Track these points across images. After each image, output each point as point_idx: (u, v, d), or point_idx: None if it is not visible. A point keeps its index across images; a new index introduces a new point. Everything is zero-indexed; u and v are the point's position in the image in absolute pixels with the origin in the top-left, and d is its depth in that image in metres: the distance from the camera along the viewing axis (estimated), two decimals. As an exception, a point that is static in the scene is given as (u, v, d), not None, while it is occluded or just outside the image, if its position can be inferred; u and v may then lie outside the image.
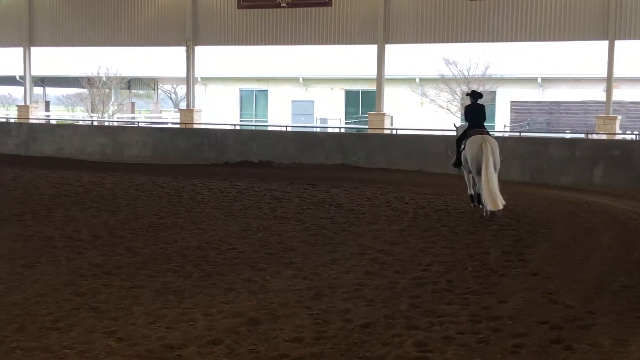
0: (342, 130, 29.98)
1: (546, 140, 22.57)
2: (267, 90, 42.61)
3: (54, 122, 38.42)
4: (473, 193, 14.81)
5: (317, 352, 6.39)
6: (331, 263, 9.91)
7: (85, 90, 45.60)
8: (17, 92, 58.51)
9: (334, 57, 37.90)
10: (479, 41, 24.90)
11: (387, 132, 25.37)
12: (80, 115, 49.80)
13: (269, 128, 33.80)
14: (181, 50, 28.31)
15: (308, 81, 41.59)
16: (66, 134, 27.31)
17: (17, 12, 30.05)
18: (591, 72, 33.53)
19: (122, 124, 35.19)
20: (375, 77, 25.58)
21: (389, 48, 25.33)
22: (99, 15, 28.95)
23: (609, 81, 22.88)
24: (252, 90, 43.05)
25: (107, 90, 43.36)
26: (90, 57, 39.51)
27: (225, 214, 14.08)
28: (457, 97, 36.05)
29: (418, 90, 38.64)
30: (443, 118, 34.09)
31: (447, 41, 25.03)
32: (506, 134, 30.35)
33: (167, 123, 39.00)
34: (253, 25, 26.76)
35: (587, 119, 33.28)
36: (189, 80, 28.35)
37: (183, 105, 46.50)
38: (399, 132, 25.24)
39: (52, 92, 58.14)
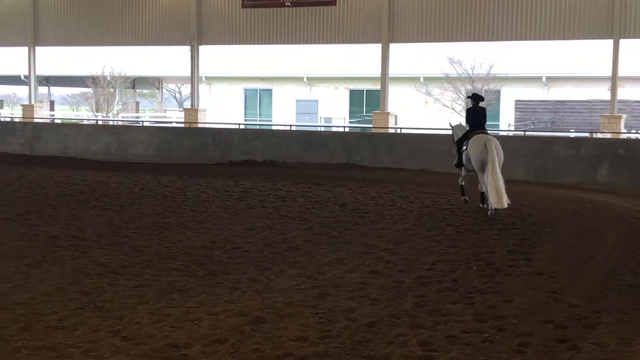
0: (347, 130, 29.97)
1: (551, 139, 22.54)
2: (271, 90, 42.60)
3: (58, 121, 38.47)
4: (464, 184, 15.43)
5: (322, 351, 6.39)
6: (336, 262, 9.91)
7: (89, 90, 45.61)
8: (21, 91, 58.60)
9: (338, 56, 37.87)
10: (483, 40, 24.85)
11: (391, 131, 25.34)
12: (84, 114, 49.89)
13: (273, 127, 33.81)
14: (185, 50, 28.30)
15: (312, 80, 41.57)
16: (71, 134, 27.36)
17: (21, 12, 30.08)
18: (596, 71, 33.49)
19: (127, 124, 35.21)
20: (380, 76, 25.55)
21: (393, 47, 25.30)
22: (104, 14, 28.98)
23: (614, 80, 22.83)
24: (257, 90, 43.05)
25: (112, 90, 43.36)
26: (95, 57, 39.52)
27: (229, 213, 14.09)
28: (462, 96, 36.00)
29: (422, 90, 38.59)
30: (447, 117, 34.02)
31: (452, 40, 24.99)
32: (511, 133, 30.29)
33: (171, 122, 39.03)
34: (257, 25, 26.75)
35: (592, 118, 33.23)
36: (193, 79, 28.36)
37: (187, 104, 46.52)
38: (403, 131, 25.25)
39: (57, 91, 58.18)
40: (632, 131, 28.98)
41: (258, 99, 43.13)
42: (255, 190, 17.33)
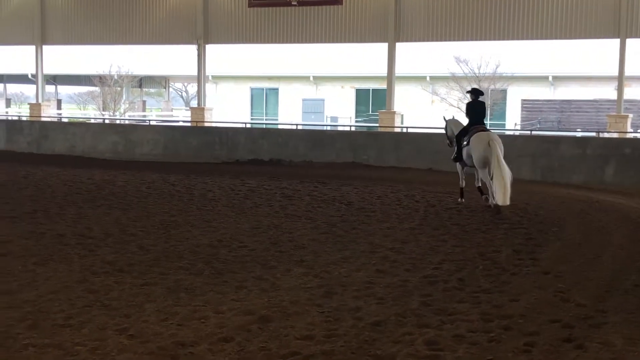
0: (353, 129, 29.95)
1: (557, 138, 22.51)
2: (277, 89, 42.62)
3: (65, 120, 38.51)
4: (463, 187, 15.59)
5: (328, 350, 6.40)
6: (342, 261, 9.92)
7: (96, 89, 45.69)
8: (29, 90, 58.71)
9: (344, 56, 37.85)
10: (489, 39, 24.83)
11: (397, 130, 25.34)
12: (91, 113, 49.91)
13: (280, 126, 33.86)
14: (192, 49, 28.34)
15: (318, 79, 41.59)
16: (78, 132, 27.42)
17: (29, 11, 30.15)
18: (602, 70, 33.42)
19: (134, 122, 35.27)
20: (386, 75, 25.55)
21: (399, 46, 25.30)
22: (111, 13, 29.03)
23: (620, 79, 22.79)
24: (263, 89, 43.08)
25: (119, 89, 43.44)
26: (102, 56, 39.60)
27: (236, 211, 14.10)
28: (468, 96, 35.92)
29: (429, 89, 38.57)
30: (458, 115, 34.00)
31: (458, 39, 24.98)
32: (517, 133, 30.27)
33: (178, 121, 39.11)
34: (264, 24, 26.77)
35: (598, 118, 33.18)
36: (200, 78, 28.39)
37: (194, 103, 46.56)
38: (410, 130, 25.23)
39: (64, 90, 58.28)
40: (639, 131, 28.90)
41: (264, 98, 43.16)
42: (262, 189, 17.35)
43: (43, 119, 30.07)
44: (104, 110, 43.14)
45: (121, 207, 14.49)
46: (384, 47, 25.46)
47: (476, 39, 24.89)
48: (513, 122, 36.66)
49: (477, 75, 34.98)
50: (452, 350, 6.44)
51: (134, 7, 28.66)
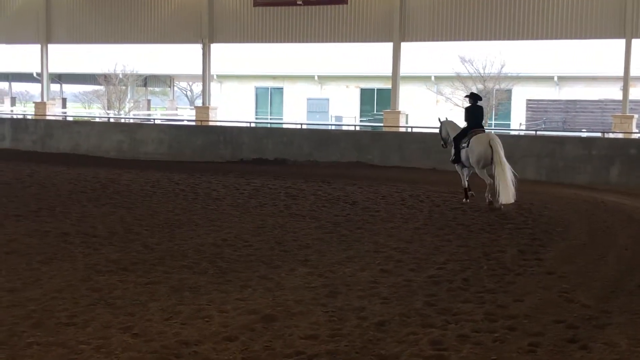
0: (357, 128, 29.93)
1: (562, 139, 22.48)
2: (282, 88, 42.63)
3: (70, 118, 38.57)
4: (467, 186, 15.82)
5: (332, 350, 6.39)
6: (346, 261, 9.91)
7: (101, 87, 45.77)
8: (34, 88, 58.85)
9: (349, 55, 37.83)
10: (495, 39, 24.82)
11: (402, 130, 25.33)
12: (96, 112, 49.97)
13: (284, 126, 33.86)
14: (197, 48, 28.37)
15: (323, 79, 41.58)
16: (83, 131, 27.47)
17: (34, 9, 30.21)
18: (608, 70, 33.38)
19: (138, 121, 35.31)
20: (391, 75, 25.55)
21: (404, 46, 25.29)
22: (116, 12, 29.08)
23: (626, 80, 22.74)
24: (268, 88, 43.08)
25: (124, 88, 43.52)
26: (107, 54, 39.68)
27: (240, 211, 14.11)
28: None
29: (433, 89, 38.55)
30: (458, 116, 33.99)
31: (463, 39, 24.96)
32: (522, 133, 30.23)
33: (182, 120, 39.14)
34: (269, 23, 26.79)
35: (604, 118, 33.12)
36: (205, 77, 28.41)
37: (199, 102, 46.59)
38: (414, 130, 25.20)
39: (69, 89, 58.37)
40: (644, 131, 28.83)
41: (269, 97, 43.16)
42: (266, 189, 17.36)
43: (48, 118, 30.13)
44: (108, 109, 43.21)
45: (126, 205, 14.51)
46: (388, 46, 25.46)
47: (481, 39, 24.88)
48: (518, 122, 36.61)
49: (482, 75, 34.95)
50: (457, 350, 6.43)
51: (139, 6, 28.70)
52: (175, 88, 55.97)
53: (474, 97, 16.19)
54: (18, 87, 64.11)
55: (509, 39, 24.49)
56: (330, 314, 7.43)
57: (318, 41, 27.17)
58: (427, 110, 36.99)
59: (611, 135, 22.99)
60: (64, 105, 47.60)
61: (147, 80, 50.69)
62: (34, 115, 31.85)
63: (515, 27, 23.63)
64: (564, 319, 7.29)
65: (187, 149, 25.19)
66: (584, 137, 26.44)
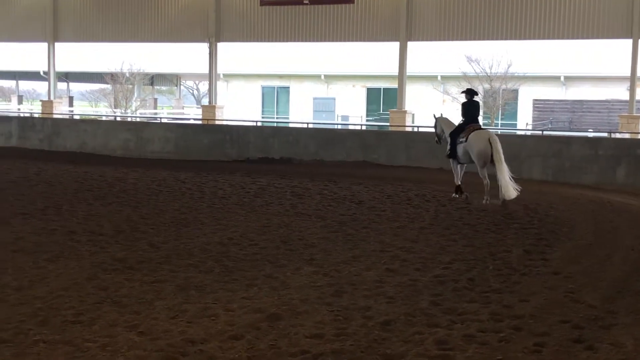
0: (364, 128, 29.93)
1: (568, 139, 22.43)
2: (288, 87, 42.64)
3: (77, 117, 38.67)
4: (460, 184, 16.16)
5: (338, 349, 6.40)
6: (352, 260, 9.91)
7: (108, 86, 45.86)
8: (41, 87, 58.91)
9: (355, 54, 37.82)
10: (501, 39, 24.79)
11: (408, 129, 25.31)
12: (103, 110, 50.06)
13: (291, 125, 33.84)
14: (204, 47, 28.40)
15: (330, 78, 41.57)
16: (89, 129, 27.53)
17: (41, 8, 30.29)
18: (614, 70, 33.29)
19: (145, 120, 35.37)
20: (397, 74, 25.54)
21: (411, 45, 25.28)
22: (123, 11, 29.13)
23: (633, 80, 22.69)
24: (274, 87, 43.10)
25: (130, 86, 43.56)
26: (114, 53, 39.72)
27: (246, 210, 14.12)
28: (480, 95, 35.84)
29: (440, 88, 38.52)
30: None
31: (470, 39, 24.95)
32: (528, 133, 30.19)
33: (189, 119, 39.15)
34: (275, 22, 26.81)
35: (610, 118, 33.06)
36: (211, 76, 28.44)
37: (205, 101, 46.63)
38: (421, 129, 25.17)
39: (76, 87, 58.51)
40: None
41: (275, 96, 43.18)
42: (272, 188, 17.36)
43: (55, 116, 30.20)
44: (115, 107, 43.28)
45: (132, 204, 14.53)
46: (395, 46, 25.45)
47: (488, 39, 24.86)
48: (524, 122, 36.56)
49: (488, 74, 34.92)
50: (462, 350, 6.43)
51: (146, 4, 28.74)
52: (182, 87, 56.07)
53: (470, 93, 16.41)
54: (25, 85, 64.30)
55: (515, 38, 24.45)
56: (335, 313, 7.43)
57: (324, 40, 27.17)
58: (433, 109, 36.93)
59: (618, 136, 22.94)
60: (70, 104, 47.72)
61: (153, 79, 50.77)
62: (41, 113, 31.92)
63: (521, 26, 23.60)
64: (570, 319, 7.28)
65: (194, 148, 25.22)
66: (591, 137, 26.39)
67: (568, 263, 9.93)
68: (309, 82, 41.86)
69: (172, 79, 52.83)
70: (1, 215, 12.73)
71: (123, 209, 13.92)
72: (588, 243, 11.40)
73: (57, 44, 30.90)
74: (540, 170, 20.56)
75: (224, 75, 41.28)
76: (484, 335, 6.79)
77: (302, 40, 27.54)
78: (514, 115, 38.09)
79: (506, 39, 24.65)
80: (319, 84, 41.88)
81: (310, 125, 28.96)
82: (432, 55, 35.06)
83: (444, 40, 25.41)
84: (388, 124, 27.49)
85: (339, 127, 32.25)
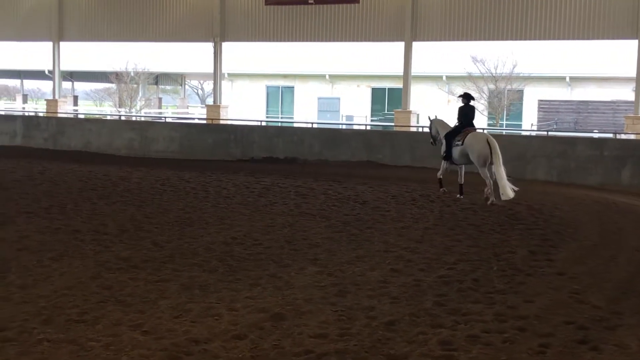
0: (368, 128, 29.90)
1: (574, 139, 22.39)
2: (293, 87, 42.65)
3: (82, 116, 38.72)
4: (442, 178, 16.68)
5: (342, 349, 6.39)
6: (356, 260, 9.90)
7: (113, 85, 45.92)
8: (46, 86, 59.10)
9: (360, 54, 37.83)
10: (507, 39, 24.75)
11: (413, 129, 25.29)
12: (108, 110, 50.13)
13: (295, 124, 33.84)
14: (209, 46, 28.41)
15: (334, 78, 41.58)
16: (94, 129, 27.55)
17: (47, 7, 30.34)
18: (620, 71, 33.24)
19: (150, 119, 35.39)
20: (402, 74, 25.52)
21: (416, 45, 25.26)
22: (128, 10, 29.16)
23: (638, 80, 22.64)
24: (279, 87, 43.12)
25: (135, 86, 43.60)
26: (119, 53, 39.76)
27: (250, 209, 14.11)
28: (484, 96, 35.86)
29: (445, 88, 38.49)
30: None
31: (475, 39, 24.92)
32: (533, 133, 30.15)
33: (193, 119, 39.19)
34: (280, 22, 26.81)
35: (616, 119, 33.02)
36: (216, 76, 28.45)
37: (210, 101, 46.62)
38: (425, 130, 25.11)
39: (81, 86, 58.57)
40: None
41: (280, 96, 43.20)
42: (276, 187, 17.36)
43: (59, 115, 30.24)
44: (120, 107, 43.33)
45: (136, 203, 14.54)
46: (400, 46, 25.43)
47: (493, 39, 24.83)
48: (530, 122, 36.52)
49: (493, 75, 34.88)
50: (466, 350, 6.42)
51: (151, 4, 28.77)
52: (187, 86, 56.10)
53: (467, 97, 16.73)
54: (30, 84, 64.44)
55: (520, 39, 24.41)
56: (339, 313, 7.43)
57: (329, 40, 27.15)
58: (438, 110, 36.88)
59: (623, 137, 22.90)
60: (75, 103, 47.79)
61: (158, 79, 50.82)
62: (46, 112, 31.96)
63: (527, 27, 23.57)
64: (575, 320, 7.27)
65: (198, 147, 25.23)
66: (596, 138, 26.35)
67: (573, 264, 9.91)
68: (314, 82, 41.87)
69: (176, 79, 52.89)
70: (6, 214, 12.76)
71: (127, 208, 13.92)
72: (593, 244, 11.38)
73: (62, 43, 30.94)
74: (545, 170, 20.53)
75: (229, 74, 41.31)
76: (488, 336, 6.78)
77: (307, 40, 27.53)
78: (519, 115, 38.05)
79: (511, 39, 24.61)
80: (324, 83, 41.89)
81: (315, 125, 28.99)
82: (437, 56, 35.04)
83: (449, 40, 25.39)
84: (393, 124, 27.49)
85: (344, 127, 32.24)
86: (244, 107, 40.40)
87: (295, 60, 39.89)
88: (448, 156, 16.37)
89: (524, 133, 30.76)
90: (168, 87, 59.03)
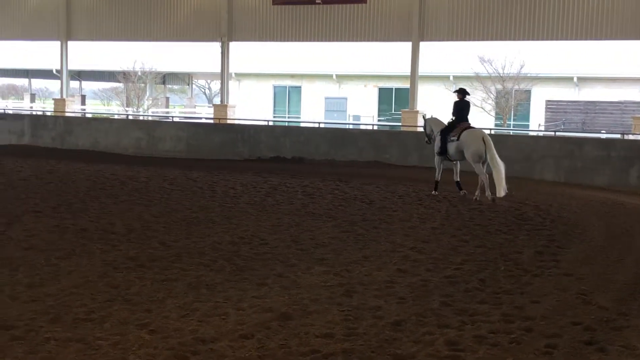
0: (375, 128, 29.89)
1: (581, 140, 22.36)
2: (300, 87, 42.67)
3: (89, 115, 38.80)
4: (439, 180, 16.79)
5: (348, 348, 6.39)
6: (363, 260, 9.91)
7: (120, 85, 46.01)
8: (53, 85, 59.27)
9: (367, 54, 37.82)
10: (514, 39, 24.70)
11: (420, 129, 25.25)
12: (115, 109, 50.23)
13: (302, 124, 33.84)
14: (216, 46, 28.44)
15: (341, 78, 41.58)
16: (102, 128, 27.62)
17: (54, 6, 30.41)
18: (628, 71, 33.17)
19: (157, 119, 35.45)
20: (409, 74, 25.50)
21: (423, 45, 25.24)
22: (136, 10, 29.21)
23: (647, 81, 22.60)
24: (286, 87, 43.14)
25: (142, 85, 43.70)
26: (126, 52, 39.85)
27: (257, 209, 14.12)
28: (492, 96, 35.81)
29: (452, 88, 38.41)
30: (477, 116, 33.90)
31: (482, 39, 24.88)
32: (541, 134, 30.10)
33: (201, 118, 39.24)
34: (288, 22, 26.81)
35: (623, 120, 32.93)
36: (223, 75, 28.47)
37: (217, 100, 46.67)
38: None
39: (88, 86, 58.74)
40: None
41: (287, 95, 43.22)
42: (283, 187, 17.37)
43: (67, 115, 30.30)
44: (127, 106, 43.42)
45: (144, 202, 14.56)
46: (407, 46, 25.41)
47: (500, 39, 24.79)
48: (537, 122, 36.45)
49: (501, 75, 34.83)
50: (473, 351, 6.42)
51: (158, 4, 28.81)
52: (194, 86, 56.19)
53: (462, 92, 16.89)
54: (37, 83, 64.61)
55: (528, 39, 24.36)
56: (346, 313, 7.43)
57: (337, 40, 27.14)
58: (445, 110, 36.86)
59: (631, 137, 22.84)
60: (83, 102, 47.90)
61: (165, 78, 50.90)
62: (53, 111, 32.04)
63: (534, 27, 23.52)
64: (582, 321, 7.25)
65: (205, 147, 25.26)
66: (604, 138, 26.29)
67: (580, 264, 9.89)
68: (321, 82, 41.87)
69: (184, 78, 52.95)
70: (13, 213, 12.79)
71: (135, 207, 13.95)
72: (600, 245, 11.35)
73: (69, 43, 31.00)
74: (553, 171, 20.50)
75: (236, 74, 41.35)
76: (494, 337, 6.78)
77: (314, 40, 27.53)
78: (526, 116, 37.98)
79: (519, 39, 24.55)
80: (331, 83, 41.89)
81: (322, 125, 28.99)
82: (444, 56, 35.01)
83: (457, 40, 25.35)
84: (400, 124, 27.46)
85: (351, 126, 32.25)
86: (251, 106, 40.44)
87: (302, 60, 39.91)
88: (443, 151, 16.54)
89: (531, 133, 30.71)
90: (175, 87, 59.13)
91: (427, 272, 9.30)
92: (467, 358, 6.27)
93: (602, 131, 32.01)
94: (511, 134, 28.61)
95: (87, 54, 40.17)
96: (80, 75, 49.99)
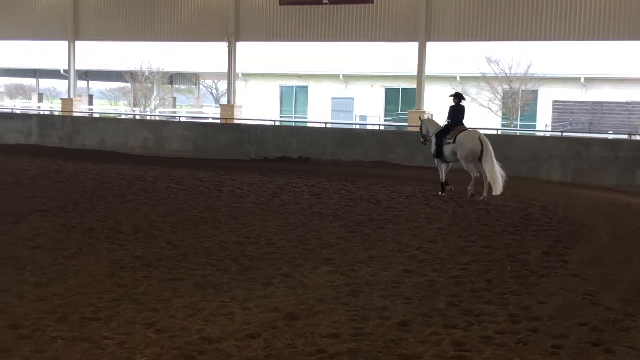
0: (382, 128, 29.88)
1: (588, 140, 22.32)
2: (307, 87, 42.65)
3: (97, 115, 38.87)
4: (444, 181, 16.88)
5: (354, 348, 6.40)
6: (369, 260, 9.91)
7: (128, 85, 46.07)
8: (61, 85, 59.41)
9: (374, 54, 37.78)
10: (521, 40, 24.65)
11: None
12: (122, 109, 50.29)
13: (309, 124, 33.84)
14: (223, 46, 28.46)
15: (348, 78, 41.55)
16: (109, 128, 27.68)
17: (62, 6, 30.46)
18: (635, 72, 33.07)
19: (164, 119, 35.50)
20: (416, 74, 25.49)
21: (430, 45, 25.22)
22: (143, 10, 29.25)
23: (654, 81, 22.55)
24: (292, 87, 43.13)
25: (150, 85, 43.75)
26: (133, 52, 39.89)
27: (264, 209, 14.14)
28: (499, 96, 35.75)
29: (458, 89, 38.35)
30: (483, 117, 33.88)
31: (489, 39, 24.85)
32: (547, 134, 30.04)
33: (207, 118, 39.27)
34: (294, 22, 26.82)
35: (631, 120, 32.84)
36: (230, 75, 28.49)
37: (224, 100, 46.70)
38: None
39: (96, 85, 58.84)
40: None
41: (294, 95, 43.21)
42: (290, 187, 17.38)
43: (74, 114, 30.37)
44: (134, 106, 43.49)
45: (150, 202, 14.59)
46: (414, 46, 25.40)
47: (507, 39, 24.75)
48: (544, 123, 36.38)
49: (508, 75, 34.77)
50: (479, 351, 6.41)
51: (165, 4, 28.84)
52: (201, 86, 56.20)
53: (458, 97, 17.24)
54: (45, 83, 64.73)
55: (535, 39, 24.32)
56: (352, 313, 7.43)
57: (343, 40, 27.13)
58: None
59: (638, 138, 22.79)
60: (90, 102, 47.97)
61: (172, 78, 50.95)
62: (61, 111, 32.11)
63: (541, 27, 23.47)
64: (588, 322, 7.25)
65: (212, 147, 25.29)
66: (610, 139, 26.23)
67: (586, 265, 9.88)
68: (328, 82, 41.86)
69: (191, 78, 52.99)
70: (21, 212, 12.83)
71: (141, 206, 13.98)
72: (607, 245, 11.34)
73: (77, 42, 31.06)
74: (559, 171, 20.47)
75: (243, 74, 41.36)
76: (501, 337, 6.77)
77: (321, 40, 27.52)
78: (533, 116, 37.91)
79: (526, 39, 24.51)
80: (338, 83, 41.87)
81: (329, 125, 28.96)
82: (451, 56, 34.94)
83: (463, 40, 25.32)
84: (406, 124, 27.45)
85: (357, 127, 32.22)
86: (258, 106, 40.43)
87: (309, 60, 39.90)
88: (439, 154, 16.73)
89: (538, 134, 30.64)
90: (182, 87, 59.17)
91: (434, 272, 9.29)
92: (474, 358, 6.27)
93: (609, 132, 31.92)
94: (518, 134, 28.56)
95: (95, 53, 40.22)
96: (87, 75, 50.08)
